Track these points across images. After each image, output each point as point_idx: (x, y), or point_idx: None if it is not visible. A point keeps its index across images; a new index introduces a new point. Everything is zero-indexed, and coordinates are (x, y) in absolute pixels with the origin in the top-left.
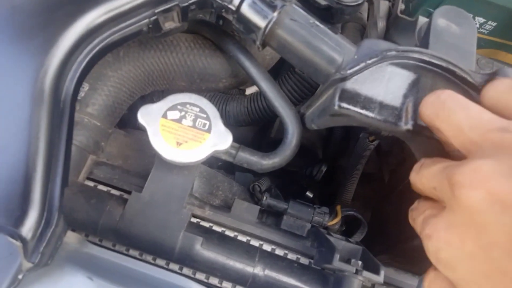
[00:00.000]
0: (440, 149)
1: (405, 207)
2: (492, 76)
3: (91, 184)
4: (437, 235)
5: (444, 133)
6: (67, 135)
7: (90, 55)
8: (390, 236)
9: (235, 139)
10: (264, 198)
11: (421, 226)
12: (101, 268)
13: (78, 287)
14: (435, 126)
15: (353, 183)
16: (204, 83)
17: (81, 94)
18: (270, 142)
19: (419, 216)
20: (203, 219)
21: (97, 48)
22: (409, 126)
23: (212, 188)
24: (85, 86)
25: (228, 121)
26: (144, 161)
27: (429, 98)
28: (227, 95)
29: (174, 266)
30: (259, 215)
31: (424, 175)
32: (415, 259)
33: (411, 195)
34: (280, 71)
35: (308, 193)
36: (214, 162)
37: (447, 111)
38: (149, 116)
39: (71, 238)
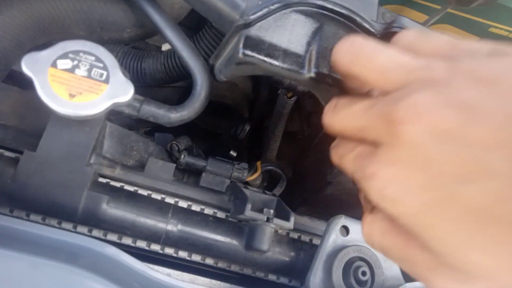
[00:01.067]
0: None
1: (320, 158)
2: (390, 25)
3: None
4: (381, 172)
5: (364, 79)
6: None
7: None
8: (308, 188)
9: (157, 100)
10: (182, 156)
11: (355, 166)
12: None
13: None
14: (353, 72)
15: (276, 141)
16: (106, 33)
17: None
18: None
19: (347, 155)
20: (112, 178)
21: None
22: (312, 73)
23: (125, 148)
24: None
25: (145, 80)
26: (43, 120)
27: (343, 46)
28: (142, 52)
29: (82, 229)
30: (179, 175)
31: (345, 116)
32: (327, 207)
33: (326, 146)
34: (200, 26)
35: (231, 152)
36: (135, 126)
37: (365, 56)
38: (35, 65)
39: None
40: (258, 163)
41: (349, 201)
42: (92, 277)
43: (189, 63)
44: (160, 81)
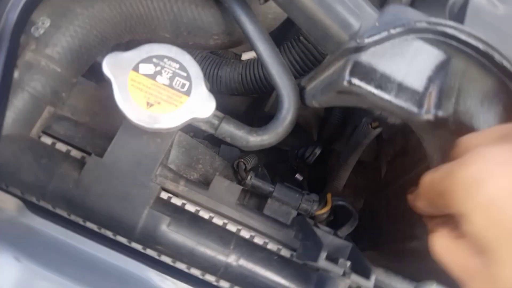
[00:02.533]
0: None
1: (403, 204)
2: None
3: (49, 141)
4: None
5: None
6: (3, 76)
7: None
8: (382, 233)
9: (224, 110)
10: (249, 177)
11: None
12: (36, 246)
13: None
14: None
15: (347, 170)
16: (191, 38)
17: (40, 31)
18: (264, 117)
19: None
20: (175, 194)
21: None
22: (430, 116)
23: (191, 160)
24: (46, 22)
25: (219, 88)
26: (116, 121)
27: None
28: (221, 58)
29: (137, 245)
30: (240, 195)
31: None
32: (408, 261)
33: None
34: (284, 38)
35: (297, 176)
36: (200, 132)
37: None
38: (117, 67)
39: (8, 204)
40: (329, 196)
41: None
42: None
43: (278, 82)
44: (235, 91)
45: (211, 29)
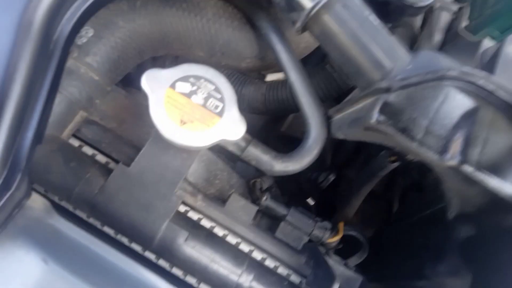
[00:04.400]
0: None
1: (415, 241)
2: None
3: (76, 143)
4: None
5: None
6: (52, 82)
7: None
8: (390, 267)
9: None
10: (264, 198)
11: None
12: (62, 249)
13: (26, 270)
14: None
15: (359, 199)
16: (225, 59)
17: (83, 39)
18: (279, 136)
19: None
20: (193, 208)
21: None
22: (454, 162)
23: (209, 175)
24: (89, 32)
25: (241, 106)
26: (141, 129)
27: None
28: (246, 77)
29: (150, 255)
30: (257, 216)
31: None
32: None
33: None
34: (307, 62)
35: (309, 201)
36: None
37: None
38: (155, 82)
39: (37, 203)
40: (341, 226)
41: None
42: None
43: (306, 111)
44: (257, 110)
45: (244, 52)
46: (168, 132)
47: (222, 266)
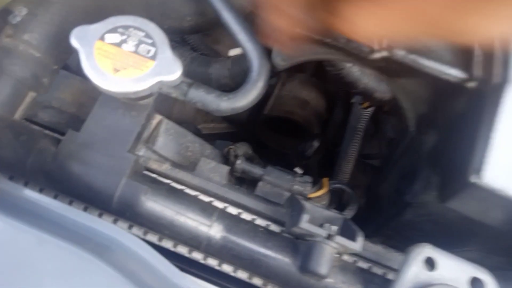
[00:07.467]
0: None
1: (399, 177)
2: None
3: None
4: None
5: None
6: None
7: None
8: (383, 214)
9: (226, 119)
10: (239, 161)
11: None
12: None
13: None
14: None
15: (349, 162)
16: (165, 20)
17: (17, 18)
18: (265, 119)
19: None
20: (159, 174)
21: None
22: (385, 52)
23: (180, 147)
24: (23, 10)
25: (210, 85)
26: None
27: None
28: (211, 58)
29: (108, 218)
30: (234, 181)
31: None
32: (406, 238)
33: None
34: None
35: (297, 169)
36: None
37: None
38: (84, 38)
39: None
40: (325, 180)
41: (434, 231)
42: (97, 264)
43: (245, 47)
44: (226, 87)
45: (183, 10)
46: (102, 82)
47: (189, 218)
